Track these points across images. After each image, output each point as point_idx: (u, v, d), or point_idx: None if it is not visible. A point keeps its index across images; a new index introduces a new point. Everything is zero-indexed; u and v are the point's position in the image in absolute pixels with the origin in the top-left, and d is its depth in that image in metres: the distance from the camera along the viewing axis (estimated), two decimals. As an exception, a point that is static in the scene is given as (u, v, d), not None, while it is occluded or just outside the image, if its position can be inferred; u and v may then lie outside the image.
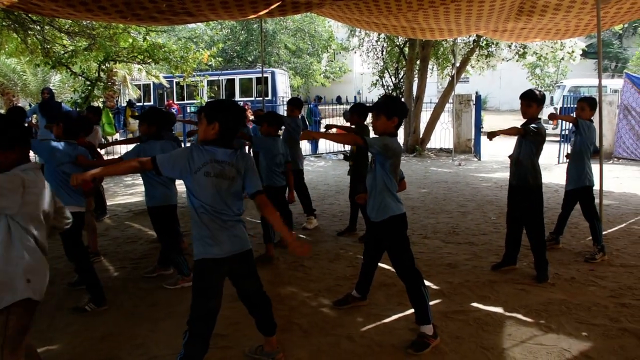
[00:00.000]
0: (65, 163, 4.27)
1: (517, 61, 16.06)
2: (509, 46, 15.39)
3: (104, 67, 11.35)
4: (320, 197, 8.73)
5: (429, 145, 15.62)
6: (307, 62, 30.86)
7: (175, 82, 20.75)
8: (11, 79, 18.87)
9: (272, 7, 6.59)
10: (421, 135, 15.54)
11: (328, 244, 6.12)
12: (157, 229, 4.93)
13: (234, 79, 23.21)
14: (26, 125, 7.11)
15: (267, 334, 3.31)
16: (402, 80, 16.47)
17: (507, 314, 4.07)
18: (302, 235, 6.45)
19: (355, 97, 32.83)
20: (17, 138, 2.59)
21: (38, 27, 10.81)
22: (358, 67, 33.17)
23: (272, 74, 22.12)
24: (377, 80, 17.24)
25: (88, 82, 11.25)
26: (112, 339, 3.78)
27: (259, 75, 22.93)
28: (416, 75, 15.59)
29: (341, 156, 14.99)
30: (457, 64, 15.12)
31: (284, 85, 23.36)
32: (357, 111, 6.16)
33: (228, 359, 3.43)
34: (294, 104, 6.96)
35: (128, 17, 6.97)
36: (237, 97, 21.94)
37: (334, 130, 6.91)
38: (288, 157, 5.63)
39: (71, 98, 11.85)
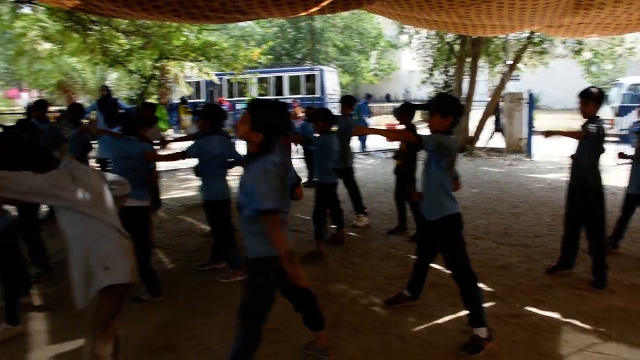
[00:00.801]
0: (133, 159, 4.38)
1: (572, 58, 15.55)
2: (564, 42, 14.91)
3: (157, 65, 11.62)
4: (369, 195, 8.69)
5: (478, 144, 15.32)
6: (355, 60, 30.79)
7: (226, 79, 21.10)
8: (72, 77, 19.64)
9: (323, 4, 6.60)
10: (471, 134, 15.26)
11: (378, 242, 6.09)
12: (213, 223, 5.01)
13: (282, 77, 23.41)
14: (86, 120, 7.37)
15: (314, 328, 3.32)
16: (451, 78, 16.21)
17: (564, 319, 3.95)
18: (352, 233, 6.43)
19: (404, 94, 32.58)
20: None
21: (97, 28, 11.18)
22: (406, 65, 32.93)
23: (321, 71, 22.21)
24: (427, 78, 17.00)
25: (143, 80, 11.56)
26: (167, 329, 3.89)
27: (308, 72, 23.13)
28: (466, 73, 15.31)
29: (390, 154, 14.91)
30: (509, 62, 14.76)
31: (332, 82, 23.40)
32: (406, 110, 6.09)
33: (279, 353, 3.46)
34: (347, 101, 6.94)
35: (182, 15, 7.11)
36: (286, 95, 22.12)
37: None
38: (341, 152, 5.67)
39: (127, 95, 12.20)
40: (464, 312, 3.67)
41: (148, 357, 3.49)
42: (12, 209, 4.10)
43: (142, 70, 12.13)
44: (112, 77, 19.36)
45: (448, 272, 3.71)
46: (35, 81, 23.22)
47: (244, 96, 21.91)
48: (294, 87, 23.01)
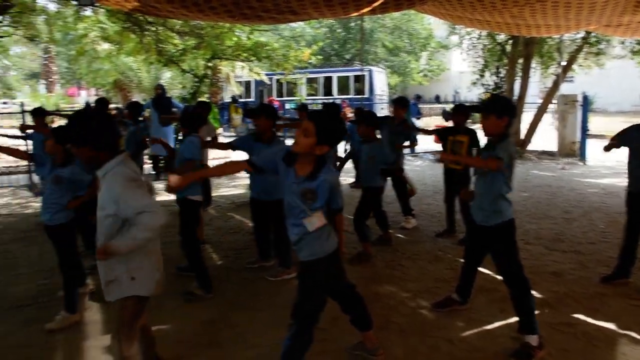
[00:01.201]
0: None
1: (630, 59, 14.96)
2: (622, 42, 14.35)
3: (210, 64, 11.86)
4: (417, 197, 8.58)
5: (530, 148, 14.95)
6: (405, 61, 30.57)
7: (276, 79, 21.34)
8: (128, 76, 20.32)
9: (375, 4, 6.59)
10: (523, 137, 14.90)
11: (427, 244, 6.05)
12: (255, 221, 5.12)
13: (331, 77, 23.47)
14: (141, 119, 7.60)
15: (362, 329, 3.33)
16: (503, 79, 15.88)
17: (620, 330, 3.82)
18: (399, 235, 6.41)
19: (453, 96, 32.09)
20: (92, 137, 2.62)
21: (153, 28, 11.50)
22: (456, 66, 32.44)
23: (370, 72, 22.16)
24: (477, 79, 16.71)
25: (196, 79, 11.83)
26: (214, 325, 3.97)
27: (357, 73, 23.12)
28: (518, 75, 14.97)
29: (438, 156, 14.75)
30: (563, 63, 14.34)
31: (381, 83, 23.31)
32: (460, 111, 6.01)
33: (326, 352, 3.48)
34: (400, 103, 6.88)
35: (236, 16, 7.25)
36: (335, 95, 22.18)
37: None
38: (392, 158, 5.58)
39: (180, 94, 12.50)
40: (514, 319, 3.61)
41: (194, 353, 3.57)
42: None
43: (195, 69, 12.41)
44: (166, 76, 19.89)
45: (498, 277, 3.66)
46: (93, 80, 24.16)
47: (294, 96, 22.11)
48: (343, 88, 23.03)
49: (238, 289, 4.70)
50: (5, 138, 7.31)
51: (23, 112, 10.72)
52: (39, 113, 7.12)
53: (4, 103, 30.79)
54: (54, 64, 31.44)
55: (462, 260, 4.11)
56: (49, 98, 20.93)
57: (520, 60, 14.68)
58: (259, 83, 22.77)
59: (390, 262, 5.39)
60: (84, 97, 37.37)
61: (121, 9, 8.61)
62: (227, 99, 21.52)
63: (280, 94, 23.34)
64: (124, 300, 2.69)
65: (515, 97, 14.75)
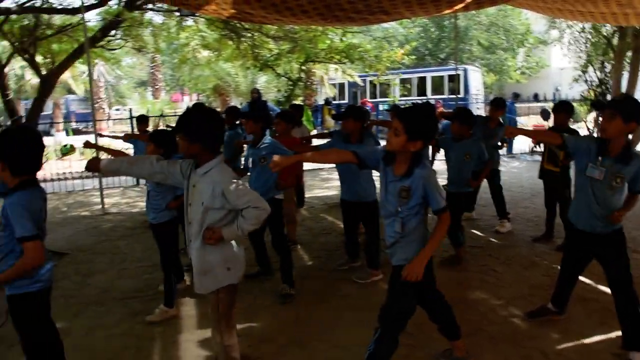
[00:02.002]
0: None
1: None
2: None
3: (304, 67, 12.10)
4: (514, 199, 8.29)
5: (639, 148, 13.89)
6: (502, 58, 29.48)
7: (369, 80, 21.36)
8: (226, 81, 21.20)
9: (468, 0, 6.42)
10: (631, 137, 13.85)
11: (522, 249, 5.80)
12: (346, 222, 5.14)
13: (425, 77, 23.11)
14: (238, 123, 7.86)
15: (450, 338, 3.26)
16: (608, 74, 14.84)
17: None
18: (493, 239, 6.20)
19: (553, 94, 30.50)
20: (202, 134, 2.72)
21: (249, 34, 11.93)
22: (556, 62, 30.79)
23: (465, 71, 21.56)
24: (580, 76, 15.74)
25: (290, 82, 12.11)
26: (301, 323, 4.05)
27: (452, 72, 22.60)
28: (625, 69, 13.91)
29: (537, 157, 14.08)
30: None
31: (476, 82, 22.64)
32: (561, 109, 5.67)
33: (413, 357, 3.43)
34: (497, 104, 6.63)
35: (328, 18, 7.35)
36: (429, 95, 21.82)
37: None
38: (486, 156, 5.40)
39: (275, 97, 12.86)
40: (617, 333, 3.38)
41: (278, 351, 3.64)
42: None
43: (289, 73, 12.73)
44: (262, 80, 20.53)
45: (598, 286, 3.44)
46: (195, 86, 25.45)
47: (387, 97, 22.02)
48: (437, 88, 22.59)
49: (326, 289, 4.75)
50: (112, 140, 7.92)
51: (131, 117, 11.50)
52: (142, 120, 7.68)
53: (117, 109, 33.14)
54: (159, 72, 33.41)
55: (559, 267, 3.89)
56: (155, 104, 22.24)
57: (629, 54, 13.66)
58: (352, 85, 22.91)
59: (482, 266, 5.22)
60: (186, 102, 39.41)
61: (219, 17, 8.99)
62: (321, 101, 21.80)
63: (373, 96, 23.29)
64: (219, 291, 2.81)
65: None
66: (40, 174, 2.70)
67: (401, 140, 2.75)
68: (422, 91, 22.73)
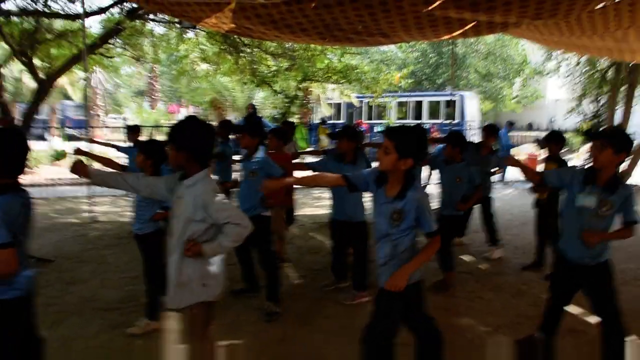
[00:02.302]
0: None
1: None
2: None
3: (301, 86, 12.14)
4: (503, 227, 8.26)
5: (629, 181, 13.91)
6: (498, 87, 29.75)
7: (366, 102, 21.49)
8: (223, 95, 21.23)
9: (467, 27, 6.47)
10: (621, 170, 13.91)
11: (510, 277, 5.78)
12: (336, 241, 5.09)
13: (422, 101, 23.25)
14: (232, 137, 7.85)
15: None
16: (602, 107, 15.05)
17: None
18: (481, 266, 6.17)
19: (548, 124, 30.82)
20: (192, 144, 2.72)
21: (248, 50, 11.98)
22: (552, 93, 31.14)
23: (461, 97, 21.72)
24: (574, 107, 15.92)
25: (287, 100, 12.14)
26: (288, 344, 3.98)
27: (448, 98, 22.76)
28: (620, 103, 14.08)
29: (528, 185, 14.11)
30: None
31: (472, 109, 22.81)
32: (553, 140, 5.74)
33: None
34: (489, 130, 6.68)
35: (326, 38, 7.37)
36: (425, 119, 21.92)
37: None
38: (477, 181, 5.42)
39: (271, 114, 12.89)
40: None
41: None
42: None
43: (286, 90, 12.76)
44: (259, 96, 20.61)
45: (585, 318, 3.41)
46: (192, 98, 25.51)
47: (383, 119, 22.11)
48: (433, 112, 22.71)
49: (312, 309, 4.69)
50: (106, 148, 7.87)
51: (127, 126, 11.47)
52: (134, 129, 7.64)
53: (113, 118, 33.13)
54: (157, 82, 33.51)
55: (548, 296, 3.86)
56: (151, 114, 22.23)
57: (623, 88, 13.83)
58: (349, 105, 23.01)
59: (470, 293, 5.19)
60: (182, 114, 39.46)
61: (219, 31, 9.02)
62: (317, 120, 21.88)
63: (369, 117, 23.36)
64: (195, 307, 2.76)
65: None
66: (30, 179, 2.65)
67: (391, 159, 2.75)
68: (418, 115, 22.83)
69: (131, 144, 7.43)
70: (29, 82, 26.34)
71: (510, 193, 12.84)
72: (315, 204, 10.30)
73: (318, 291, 5.18)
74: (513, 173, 14.45)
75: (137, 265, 5.63)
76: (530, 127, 21.04)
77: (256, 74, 12.11)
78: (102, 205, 9.95)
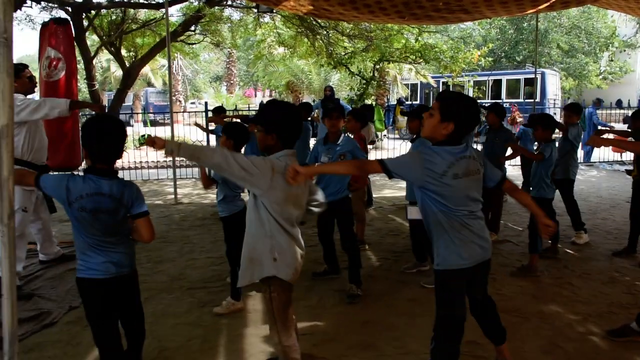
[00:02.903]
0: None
1: None
2: None
3: (378, 66, 12.02)
4: (591, 210, 7.90)
5: None
6: (582, 62, 28.11)
7: (442, 82, 21.00)
8: (299, 78, 21.36)
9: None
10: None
11: (600, 263, 5.50)
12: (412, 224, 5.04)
13: (501, 80, 22.41)
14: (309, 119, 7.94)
15: (497, 342, 3.12)
16: None
17: None
18: (569, 250, 5.92)
19: (638, 100, 28.91)
20: (279, 126, 2.73)
21: (324, 32, 11.97)
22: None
23: (542, 74, 20.75)
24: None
25: (364, 81, 12.06)
26: (371, 327, 3.97)
27: (528, 75, 21.83)
28: None
29: (617, 166, 13.36)
30: None
31: (554, 87, 21.77)
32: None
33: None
34: (573, 109, 6.36)
35: (405, 16, 7.25)
36: (504, 99, 21.16)
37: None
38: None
39: (348, 95, 12.86)
40: None
41: (351, 353, 3.58)
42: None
43: (363, 71, 12.67)
44: (335, 78, 20.58)
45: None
46: (268, 82, 25.89)
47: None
48: (513, 91, 21.86)
49: (395, 293, 4.66)
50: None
51: (206, 110, 11.83)
52: (219, 111, 7.88)
53: (192, 103, 34.21)
54: (234, 67, 34.26)
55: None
56: (229, 99, 22.77)
57: None
58: (425, 85, 22.55)
59: (558, 279, 4.99)
60: (259, 98, 40.22)
61: (296, 13, 9.07)
62: (393, 101, 21.61)
63: (444, 96, 22.84)
64: (272, 286, 2.74)
65: None
66: (118, 163, 2.78)
67: (434, 121, 2.67)
68: (497, 94, 22.05)
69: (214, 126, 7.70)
70: (116, 71, 27.74)
71: (596, 175, 12.19)
72: (395, 186, 10.20)
73: (400, 274, 5.15)
74: (599, 154, 13.74)
75: (220, 246, 5.88)
76: (619, 104, 19.63)
77: (333, 56, 12.09)
78: (185, 187, 10.33)
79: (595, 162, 13.73)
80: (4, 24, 2.13)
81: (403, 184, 10.06)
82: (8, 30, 2.15)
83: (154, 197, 9.44)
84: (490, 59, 13.96)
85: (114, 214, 2.61)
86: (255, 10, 11.49)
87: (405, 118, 18.46)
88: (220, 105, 8.34)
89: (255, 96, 43.22)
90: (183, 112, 25.41)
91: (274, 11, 11.18)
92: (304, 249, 2.85)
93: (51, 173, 3.02)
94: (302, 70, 20.49)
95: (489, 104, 7.04)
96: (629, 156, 14.29)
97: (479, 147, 6.76)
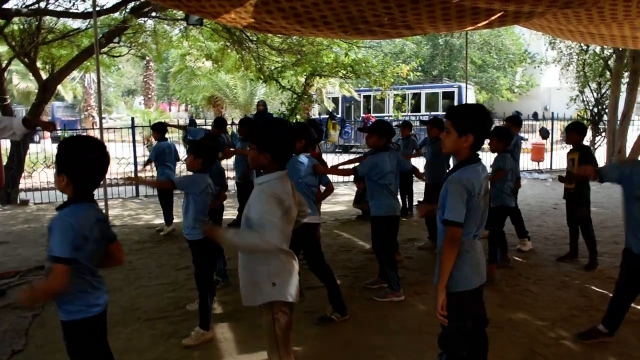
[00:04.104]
0: (308, 175, 4.40)
1: None
2: None
3: (310, 81, 12.01)
4: (525, 218, 8.20)
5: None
6: (494, 77, 29.74)
7: (366, 95, 21.42)
8: (224, 92, 20.90)
9: (493, 17, 6.40)
10: (628, 156, 14.02)
11: (549, 269, 5.72)
12: (377, 239, 4.96)
13: (420, 93, 23.17)
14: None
15: None
16: (604, 95, 15.17)
17: None
18: (517, 258, 6.11)
19: (543, 113, 30.92)
20: (273, 145, 2.63)
21: (254, 46, 11.79)
22: (546, 82, 31.26)
23: (459, 88, 21.73)
24: (577, 96, 16.01)
25: (295, 95, 11.99)
26: (351, 348, 3.86)
27: (446, 89, 22.75)
28: (623, 91, 14.14)
29: (535, 174, 14.16)
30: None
31: (470, 100, 22.82)
32: (575, 129, 5.73)
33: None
34: (514, 121, 6.68)
35: (349, 31, 7.25)
36: (423, 112, 21.89)
37: None
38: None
39: (279, 110, 12.74)
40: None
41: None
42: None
43: (295, 86, 12.61)
44: (261, 92, 20.36)
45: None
46: (185, 96, 25.19)
47: (381, 112, 22.00)
48: (431, 104, 22.69)
49: (366, 310, 4.55)
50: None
51: (133, 127, 11.34)
52: (158, 128, 7.52)
53: (103, 118, 32.63)
54: (152, 81, 33.17)
55: (594, 288, 3.80)
56: (149, 113, 21.89)
57: (627, 75, 13.87)
58: (347, 99, 22.84)
59: (516, 286, 5.12)
60: (174, 113, 39.18)
61: (235, 26, 8.85)
62: (314, 115, 21.70)
63: (367, 111, 23.29)
64: (271, 310, 2.64)
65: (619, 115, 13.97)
66: (30, 183, 2.51)
67: (452, 137, 2.65)
68: (416, 107, 22.79)
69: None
70: (19, 84, 25.95)
71: (523, 183, 12.79)
72: (332, 200, 10.16)
73: (363, 290, 5.07)
74: (523, 164, 14.46)
75: (167, 271, 5.59)
76: (535, 116, 20.72)
77: (262, 70, 11.93)
78: (113, 208, 9.74)
79: (523, 171, 14.41)
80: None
81: (339, 198, 10.10)
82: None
83: (81, 219, 8.79)
84: (418, 73, 14.35)
85: (104, 239, 2.42)
86: (184, 23, 11.14)
87: (338, 132, 18.71)
88: (161, 122, 7.89)
89: (170, 110, 42.13)
90: (93, 128, 24.15)
91: (203, 24, 10.90)
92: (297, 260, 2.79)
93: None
94: (227, 85, 20.11)
95: (430, 118, 7.22)
96: (546, 164, 15.23)
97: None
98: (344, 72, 11.70)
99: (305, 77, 12.10)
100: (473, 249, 2.65)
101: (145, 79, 32.93)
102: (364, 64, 11.51)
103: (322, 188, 4.66)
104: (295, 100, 11.95)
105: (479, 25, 6.97)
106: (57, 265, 2.15)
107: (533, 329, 4.12)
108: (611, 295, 3.88)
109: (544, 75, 28.38)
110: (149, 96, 32.23)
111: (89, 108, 28.42)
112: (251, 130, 2.69)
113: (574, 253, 6.03)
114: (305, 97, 12.21)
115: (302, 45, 11.51)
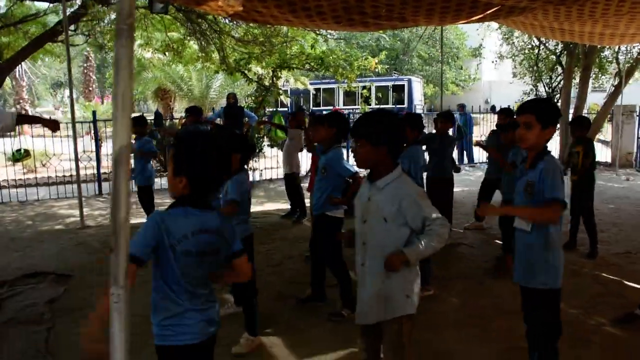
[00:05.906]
0: None
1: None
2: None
3: (277, 73, 11.76)
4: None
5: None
6: (440, 70, 30.47)
7: (316, 88, 21.31)
8: (178, 85, 19.95)
9: (489, 11, 6.45)
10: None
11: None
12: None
13: (370, 87, 23.29)
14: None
15: None
16: (556, 90, 15.81)
17: None
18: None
19: (485, 106, 31.98)
20: (390, 138, 2.44)
21: (217, 36, 11.35)
22: (487, 75, 32.33)
23: (409, 81, 22.06)
24: (531, 90, 16.63)
25: (262, 88, 11.71)
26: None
27: (396, 82, 22.99)
28: (575, 85, 14.78)
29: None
30: (623, 74, 14.10)
31: (418, 93, 23.24)
32: (580, 124, 5.87)
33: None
34: (446, 117, 6.44)
35: (342, 22, 7.12)
36: (373, 105, 22.03)
37: None
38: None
39: (245, 102, 12.40)
40: None
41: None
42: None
43: (263, 77, 12.30)
44: (216, 84, 19.74)
45: None
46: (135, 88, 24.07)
47: (330, 105, 21.98)
48: (382, 97, 22.89)
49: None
50: None
51: (95, 121, 10.74)
52: (139, 122, 6.99)
53: (36, 111, 30.94)
54: (92, 72, 31.65)
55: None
56: (98, 106, 20.67)
57: (578, 71, 14.50)
58: (295, 92, 22.58)
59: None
60: (106, 105, 37.59)
61: (220, 15, 8.51)
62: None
63: (317, 104, 23.21)
64: (399, 321, 2.47)
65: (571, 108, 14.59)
66: None
67: (537, 130, 2.64)
68: (366, 100, 22.89)
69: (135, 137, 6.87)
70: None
71: (480, 176, 13.07)
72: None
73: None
74: (479, 155, 14.79)
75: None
76: (493, 109, 21.19)
77: (226, 62, 11.54)
78: (76, 208, 9.10)
79: (476, 163, 14.75)
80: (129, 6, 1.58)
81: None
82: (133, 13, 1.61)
83: (49, 221, 8.12)
84: (385, 66, 14.38)
85: (217, 254, 2.12)
86: (144, 11, 10.58)
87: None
88: (140, 116, 7.27)
89: (103, 103, 40.45)
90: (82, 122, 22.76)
91: (168, 12, 10.40)
92: None
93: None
94: (182, 77, 19.29)
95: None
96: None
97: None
98: (313, 64, 11.52)
99: (272, 69, 11.80)
100: None
101: (85, 71, 31.34)
102: (331, 57, 11.38)
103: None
104: (264, 93, 11.67)
105: (473, 19, 7.02)
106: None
107: (571, 316, 4.16)
108: (625, 281, 4.00)
109: (484, 69, 29.30)
110: (90, 89, 30.72)
111: (21, 101, 26.64)
112: (361, 124, 2.47)
113: (573, 243, 6.18)
114: (273, 89, 11.94)
115: (269, 36, 11.23)
